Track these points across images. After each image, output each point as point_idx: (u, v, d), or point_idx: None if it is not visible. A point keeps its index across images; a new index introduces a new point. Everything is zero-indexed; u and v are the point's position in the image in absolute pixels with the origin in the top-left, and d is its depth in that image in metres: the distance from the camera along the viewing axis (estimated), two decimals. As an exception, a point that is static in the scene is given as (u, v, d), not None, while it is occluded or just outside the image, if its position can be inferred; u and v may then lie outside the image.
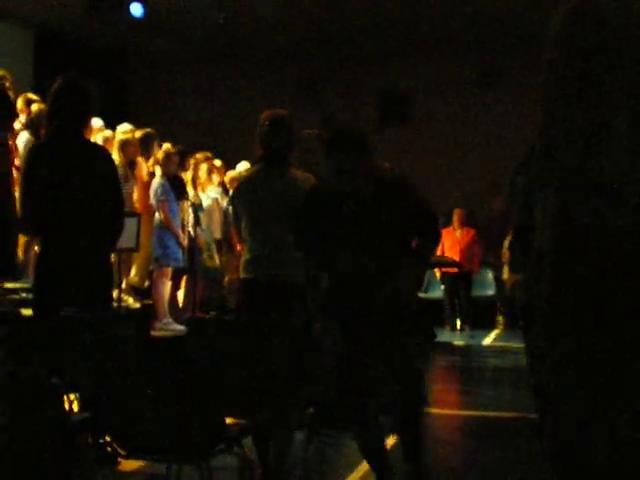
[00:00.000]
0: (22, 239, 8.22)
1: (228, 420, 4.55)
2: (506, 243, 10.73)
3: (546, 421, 2.15)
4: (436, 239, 4.78)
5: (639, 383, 1.96)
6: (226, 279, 10.02)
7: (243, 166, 10.82)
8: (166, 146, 9.47)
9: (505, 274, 13.17)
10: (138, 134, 9.47)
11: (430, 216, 4.57)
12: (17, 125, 8.64)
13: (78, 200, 5.24)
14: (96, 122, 9.45)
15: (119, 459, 4.67)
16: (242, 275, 5.12)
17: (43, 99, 7.94)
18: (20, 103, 8.90)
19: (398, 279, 4.32)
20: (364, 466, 5.59)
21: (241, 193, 5.20)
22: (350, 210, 4.28)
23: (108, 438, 4.03)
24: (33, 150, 5.64)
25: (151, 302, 9.06)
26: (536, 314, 2.07)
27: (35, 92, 9.67)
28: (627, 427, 1.95)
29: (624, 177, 1.91)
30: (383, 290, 4.32)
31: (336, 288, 4.38)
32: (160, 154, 9.21)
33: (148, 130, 9.64)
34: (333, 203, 4.31)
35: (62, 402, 3.85)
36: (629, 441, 1.97)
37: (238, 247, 8.47)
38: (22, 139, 8.52)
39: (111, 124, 9.98)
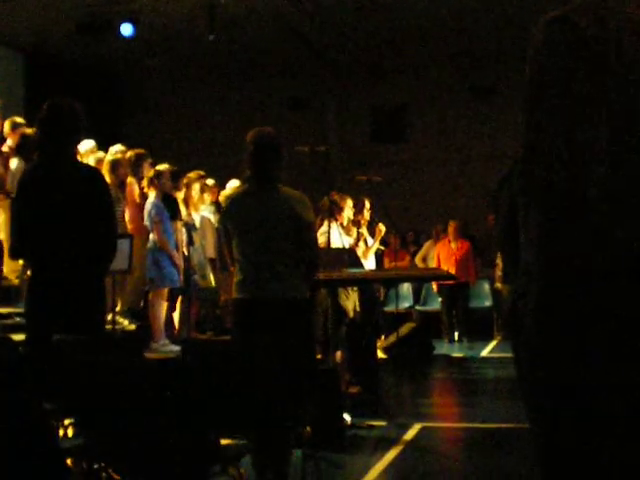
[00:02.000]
0: (17, 264, 8.20)
1: (225, 441, 4.53)
2: (499, 254, 10.70)
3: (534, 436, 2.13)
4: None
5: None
6: (222, 298, 9.99)
7: (233, 184, 10.80)
8: (160, 166, 9.44)
9: (498, 284, 13.19)
10: (129, 155, 9.45)
11: None
12: (5, 149, 8.62)
13: (70, 224, 5.21)
14: (88, 143, 9.44)
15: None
16: (235, 295, 5.11)
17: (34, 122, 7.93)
18: (6, 127, 8.88)
19: None
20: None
21: (231, 213, 5.17)
22: None
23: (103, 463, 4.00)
24: (24, 175, 5.61)
25: (147, 323, 9.02)
26: (521, 328, 2.06)
27: (26, 115, 9.66)
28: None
29: (604, 193, 1.90)
30: None
31: None
32: (152, 174, 9.18)
33: (139, 150, 9.62)
34: None
35: (52, 428, 3.81)
36: None
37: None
38: (13, 165, 8.50)
39: (104, 145, 9.97)
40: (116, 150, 9.61)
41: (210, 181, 10.98)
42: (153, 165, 9.65)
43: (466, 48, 16.10)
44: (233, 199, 5.32)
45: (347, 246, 8.58)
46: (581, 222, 1.90)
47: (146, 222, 8.95)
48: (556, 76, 1.94)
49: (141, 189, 9.34)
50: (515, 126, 2.53)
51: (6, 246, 8.02)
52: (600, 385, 1.93)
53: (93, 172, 5.67)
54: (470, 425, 7.89)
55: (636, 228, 1.92)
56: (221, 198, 10.82)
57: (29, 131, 8.40)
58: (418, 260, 14.97)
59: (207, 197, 10.66)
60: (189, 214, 9.92)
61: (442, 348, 13.15)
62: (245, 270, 5.05)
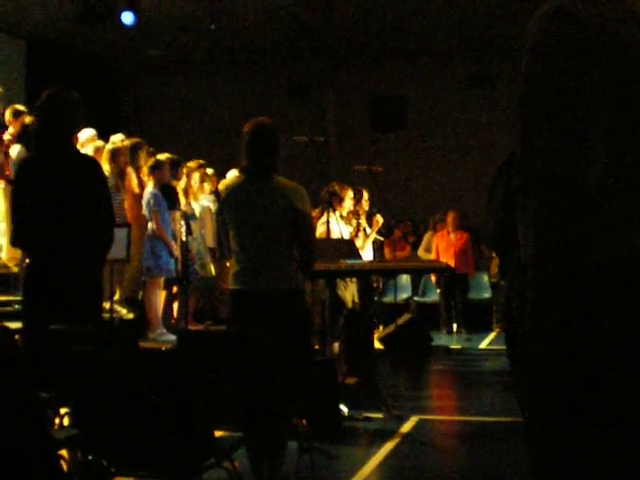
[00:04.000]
0: (17, 252, 8.20)
1: (219, 433, 4.52)
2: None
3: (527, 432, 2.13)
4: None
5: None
6: (220, 288, 9.97)
7: (233, 173, 10.77)
8: (160, 156, 9.42)
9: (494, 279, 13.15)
10: (127, 143, 9.43)
11: None
12: (6, 137, 8.61)
13: (68, 213, 5.21)
14: (88, 132, 9.43)
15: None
16: (231, 286, 5.10)
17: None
18: (8, 114, 8.88)
19: None
20: (356, 477, 5.57)
21: (227, 204, 5.16)
22: None
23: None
24: (23, 164, 5.60)
25: (145, 313, 9.01)
26: (520, 321, 2.06)
27: (28, 102, 9.66)
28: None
29: (603, 186, 1.89)
30: None
31: None
32: (151, 163, 9.16)
33: (135, 139, 9.60)
34: None
35: (47, 418, 3.79)
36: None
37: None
38: (14, 152, 8.50)
39: (105, 134, 9.96)
40: (116, 139, 9.59)
41: (210, 170, 10.95)
42: (153, 154, 9.63)
43: (466, 37, 16.06)
44: (230, 190, 5.30)
45: (346, 237, 8.57)
46: (580, 215, 1.89)
47: (144, 211, 8.95)
48: (555, 68, 1.92)
49: (140, 178, 9.33)
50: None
51: (8, 234, 8.03)
52: (597, 379, 1.92)
53: (91, 162, 5.66)
54: (467, 418, 7.89)
55: (636, 221, 1.91)
56: (220, 187, 10.79)
57: (29, 119, 8.39)
58: (421, 252, 14.91)
59: (207, 186, 10.64)
60: (188, 203, 9.91)
61: (440, 340, 13.13)
62: (241, 261, 5.04)
